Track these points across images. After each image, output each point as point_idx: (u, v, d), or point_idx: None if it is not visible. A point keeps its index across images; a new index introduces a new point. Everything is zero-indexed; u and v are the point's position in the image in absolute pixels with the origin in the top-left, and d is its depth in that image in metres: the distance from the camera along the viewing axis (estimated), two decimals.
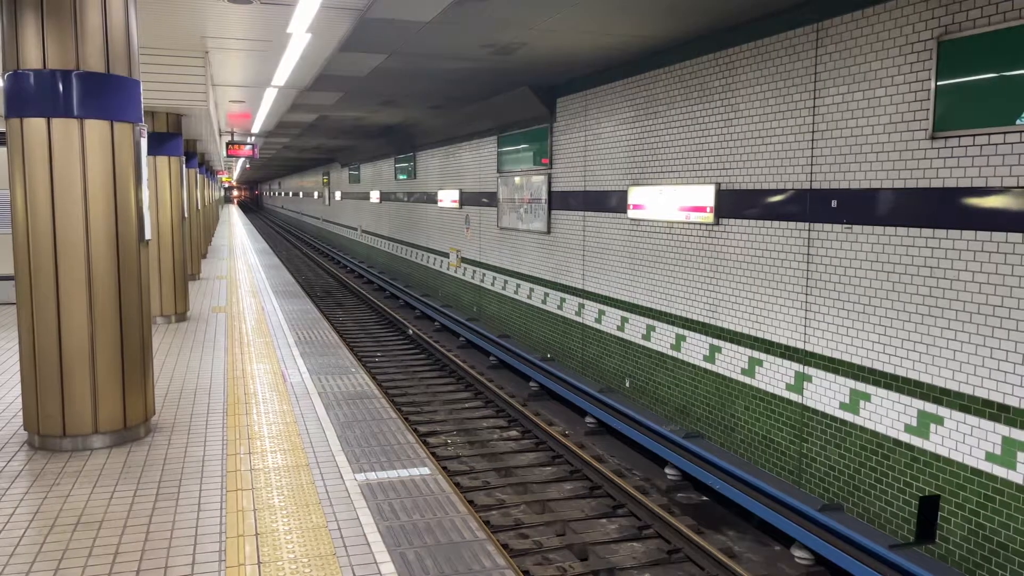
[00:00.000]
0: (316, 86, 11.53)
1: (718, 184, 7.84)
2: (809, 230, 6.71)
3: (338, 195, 33.47)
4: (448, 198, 17.07)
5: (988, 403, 5.19)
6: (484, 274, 15.02)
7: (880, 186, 5.95)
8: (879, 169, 5.95)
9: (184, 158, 11.31)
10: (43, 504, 4.32)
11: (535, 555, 6.02)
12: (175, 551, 3.76)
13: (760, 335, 7.34)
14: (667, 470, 7.68)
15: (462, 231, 16.37)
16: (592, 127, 10.49)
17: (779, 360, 7.10)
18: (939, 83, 5.42)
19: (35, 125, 4.93)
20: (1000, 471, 5.10)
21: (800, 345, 6.84)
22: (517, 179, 13.04)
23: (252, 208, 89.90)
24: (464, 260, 16.26)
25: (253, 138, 21.70)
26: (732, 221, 7.70)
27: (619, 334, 9.95)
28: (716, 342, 8.00)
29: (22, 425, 5.43)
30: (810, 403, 6.73)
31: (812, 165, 6.63)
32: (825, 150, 6.48)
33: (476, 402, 10.41)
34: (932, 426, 5.58)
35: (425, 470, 4.92)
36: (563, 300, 11.55)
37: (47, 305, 5.04)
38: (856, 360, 6.24)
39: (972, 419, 5.29)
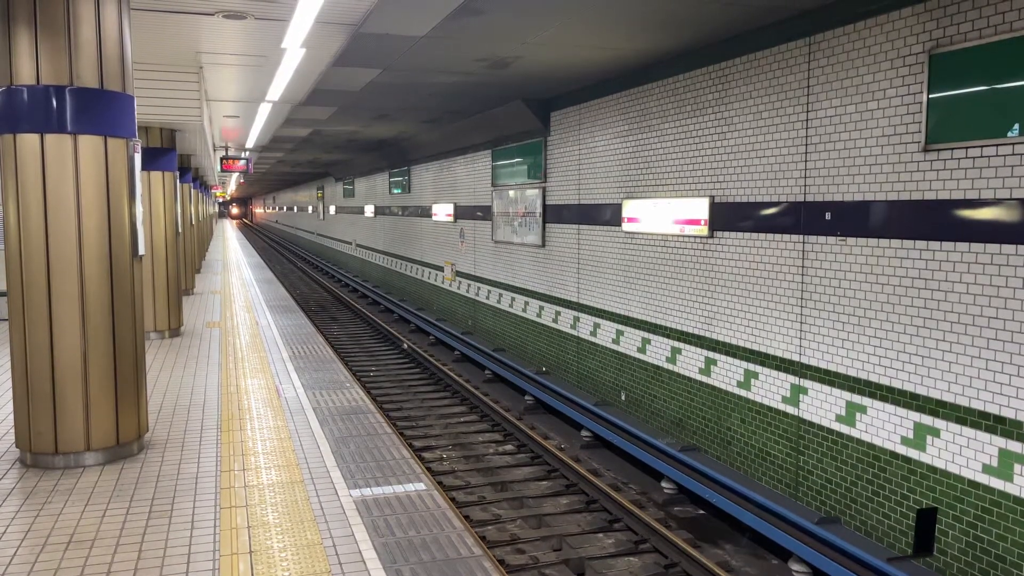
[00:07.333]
0: (310, 101, 11.55)
1: (712, 197, 7.85)
2: (803, 243, 6.72)
3: (332, 209, 33.48)
4: (443, 212, 17.09)
5: (984, 415, 5.18)
6: (479, 287, 15.01)
7: (873, 198, 5.97)
8: (872, 182, 5.98)
9: (178, 173, 11.30)
10: (35, 522, 4.28)
11: (531, 570, 5.98)
12: (168, 570, 3.72)
13: (755, 347, 7.34)
14: (663, 483, 7.65)
15: (457, 245, 16.38)
16: (586, 140, 10.52)
17: (775, 372, 7.09)
18: (931, 96, 5.45)
19: (28, 141, 4.91)
20: (997, 483, 5.09)
21: (796, 357, 6.84)
22: (512, 192, 13.06)
23: (248, 224, 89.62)
24: (459, 274, 16.25)
25: (247, 153, 21.71)
26: (726, 234, 7.72)
27: (614, 347, 9.94)
28: (711, 355, 7.99)
29: (14, 443, 5.39)
30: (806, 415, 6.73)
31: (806, 178, 6.65)
32: (818, 163, 6.51)
33: (471, 416, 10.37)
34: (928, 438, 5.58)
35: (421, 485, 4.89)
36: (558, 313, 11.54)
37: (39, 321, 5.01)
38: (852, 372, 6.24)
39: (968, 431, 5.29)
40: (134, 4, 6.14)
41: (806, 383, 6.72)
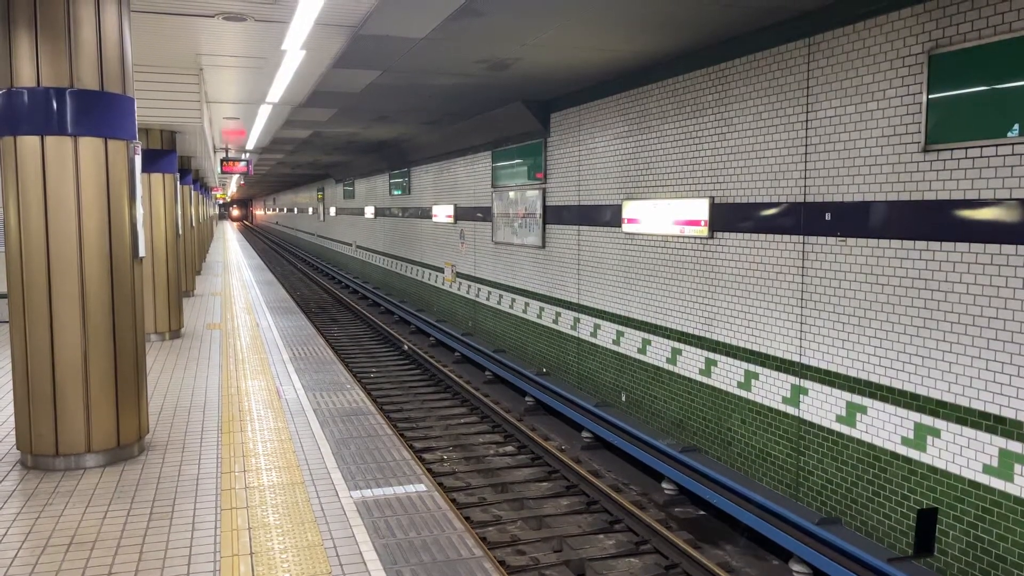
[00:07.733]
0: (310, 102, 11.55)
1: (712, 198, 7.86)
2: (803, 243, 6.72)
3: (333, 211, 33.49)
4: (443, 213, 17.09)
5: (984, 415, 5.18)
6: (479, 289, 15.01)
7: (873, 199, 5.97)
8: (872, 182, 5.98)
9: (178, 175, 11.30)
10: (36, 524, 4.28)
11: (532, 572, 5.99)
12: (169, 571, 3.73)
13: (756, 348, 7.34)
14: (664, 484, 7.65)
15: (457, 246, 16.38)
16: (586, 141, 10.52)
17: (775, 373, 7.09)
18: (930, 96, 5.46)
19: (29, 143, 4.92)
20: (997, 483, 5.09)
21: (796, 358, 6.84)
22: (512, 194, 13.06)
23: (248, 225, 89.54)
24: (459, 275, 16.26)
25: (247, 154, 21.72)
26: (726, 234, 7.72)
27: (615, 348, 9.94)
28: (712, 355, 7.99)
29: (14, 445, 5.39)
30: (806, 416, 6.73)
31: (806, 178, 6.66)
32: (818, 163, 6.51)
33: (472, 417, 10.37)
34: (929, 438, 5.58)
35: (421, 487, 4.89)
36: (558, 314, 11.54)
37: (40, 323, 5.02)
38: (852, 373, 6.24)
39: (969, 431, 5.29)
40: (134, 6, 6.15)
41: (806, 384, 6.72)
